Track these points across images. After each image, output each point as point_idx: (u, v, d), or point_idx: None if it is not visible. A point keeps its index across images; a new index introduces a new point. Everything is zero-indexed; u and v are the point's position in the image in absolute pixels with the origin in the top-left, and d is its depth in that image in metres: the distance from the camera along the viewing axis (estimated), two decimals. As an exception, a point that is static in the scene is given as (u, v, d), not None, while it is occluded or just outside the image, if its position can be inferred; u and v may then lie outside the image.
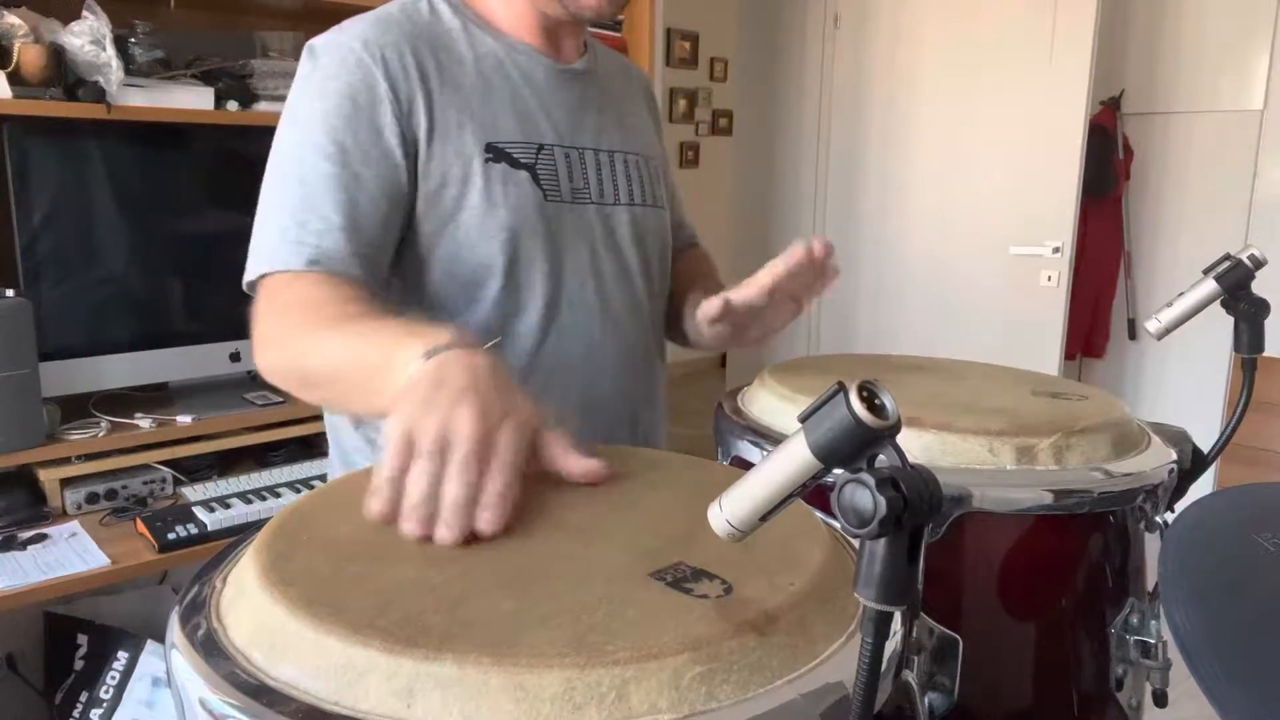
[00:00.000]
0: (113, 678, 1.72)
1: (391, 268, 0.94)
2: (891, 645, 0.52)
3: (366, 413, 0.80)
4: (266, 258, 0.86)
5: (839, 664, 0.49)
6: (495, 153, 0.93)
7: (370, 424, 1.01)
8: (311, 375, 0.81)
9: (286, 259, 0.85)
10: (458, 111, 0.92)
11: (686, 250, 1.22)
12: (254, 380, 2.06)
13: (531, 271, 0.96)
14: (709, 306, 0.94)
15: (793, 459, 0.45)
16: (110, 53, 1.66)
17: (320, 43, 0.92)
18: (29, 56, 1.60)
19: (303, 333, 0.81)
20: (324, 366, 0.78)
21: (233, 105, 1.86)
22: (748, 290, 0.92)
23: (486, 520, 0.58)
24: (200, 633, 0.53)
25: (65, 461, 1.70)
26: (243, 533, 0.65)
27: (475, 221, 0.93)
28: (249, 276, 0.88)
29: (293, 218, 0.86)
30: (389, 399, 0.64)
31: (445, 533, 0.58)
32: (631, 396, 1.05)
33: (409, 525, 0.58)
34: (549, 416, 0.66)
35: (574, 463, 0.67)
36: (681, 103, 5.10)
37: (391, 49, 0.91)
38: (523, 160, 0.95)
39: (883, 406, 0.42)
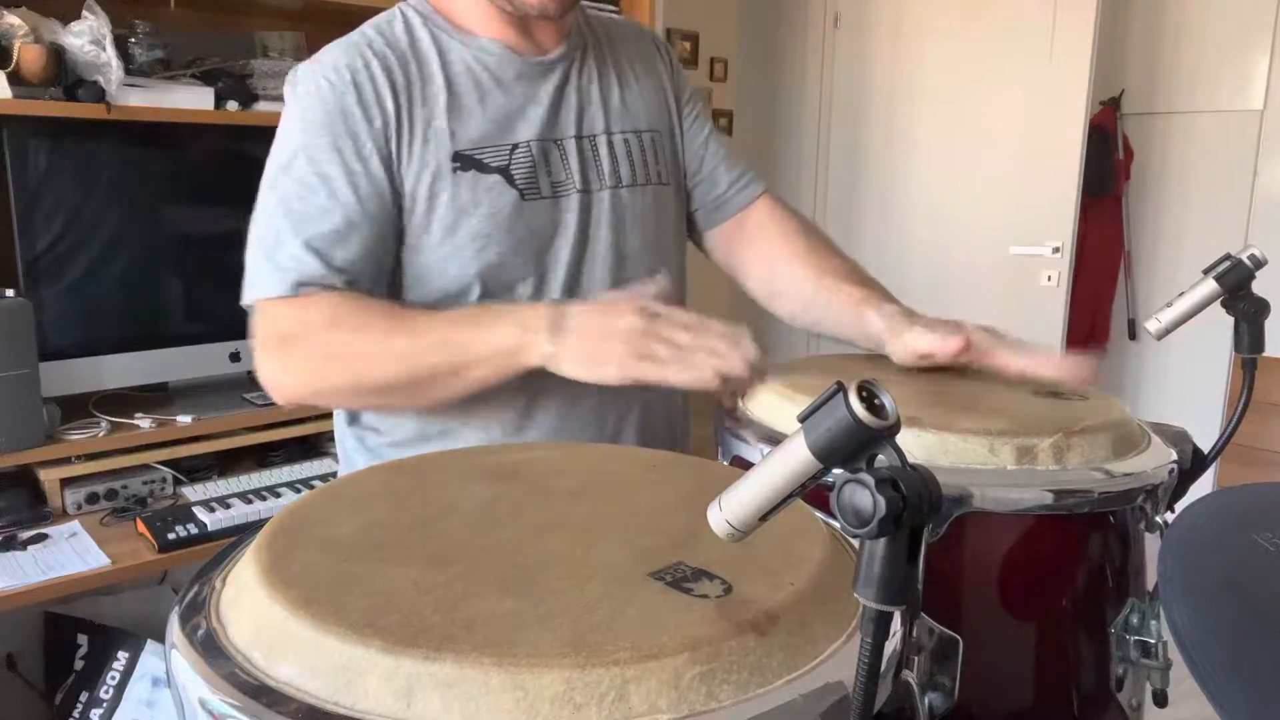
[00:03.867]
0: (113, 678, 1.72)
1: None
2: (891, 645, 0.52)
3: (447, 399, 0.88)
4: (264, 283, 0.89)
5: (839, 664, 0.49)
6: (463, 161, 0.94)
7: (361, 425, 1.02)
8: (378, 381, 0.87)
9: (287, 284, 0.88)
10: (425, 125, 0.93)
11: (771, 208, 1.15)
12: (254, 380, 2.06)
13: (515, 273, 0.96)
14: (946, 348, 0.95)
15: (792, 459, 0.45)
16: (110, 53, 1.66)
17: (299, 73, 0.94)
18: (29, 56, 1.60)
19: (360, 344, 0.86)
20: (409, 369, 0.85)
21: (233, 105, 1.86)
22: (997, 357, 0.94)
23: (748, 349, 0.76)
24: (200, 633, 0.53)
25: (65, 461, 1.70)
26: (243, 533, 0.66)
27: (445, 233, 0.93)
28: (245, 300, 0.92)
29: (285, 249, 0.89)
30: (510, 373, 0.83)
31: (737, 364, 0.75)
32: (632, 392, 1.04)
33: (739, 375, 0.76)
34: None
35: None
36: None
37: (362, 72, 0.92)
38: (493, 164, 0.95)
39: (882, 406, 0.42)
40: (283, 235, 0.89)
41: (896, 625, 0.54)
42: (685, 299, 1.12)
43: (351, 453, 1.05)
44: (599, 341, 0.79)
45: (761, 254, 1.12)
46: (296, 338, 0.88)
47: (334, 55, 0.93)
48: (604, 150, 1.03)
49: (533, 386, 0.94)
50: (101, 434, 1.73)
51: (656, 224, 1.07)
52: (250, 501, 1.75)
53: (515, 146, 0.96)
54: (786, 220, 1.14)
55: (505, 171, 0.95)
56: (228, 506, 1.71)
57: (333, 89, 0.91)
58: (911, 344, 0.96)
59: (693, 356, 0.76)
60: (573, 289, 0.99)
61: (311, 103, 0.91)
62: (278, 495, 1.78)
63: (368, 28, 0.97)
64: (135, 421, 1.78)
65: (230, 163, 1.92)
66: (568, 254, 0.99)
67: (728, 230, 1.15)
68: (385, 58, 0.93)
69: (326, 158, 0.90)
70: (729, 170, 1.15)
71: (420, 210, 0.93)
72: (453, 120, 0.94)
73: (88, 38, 1.66)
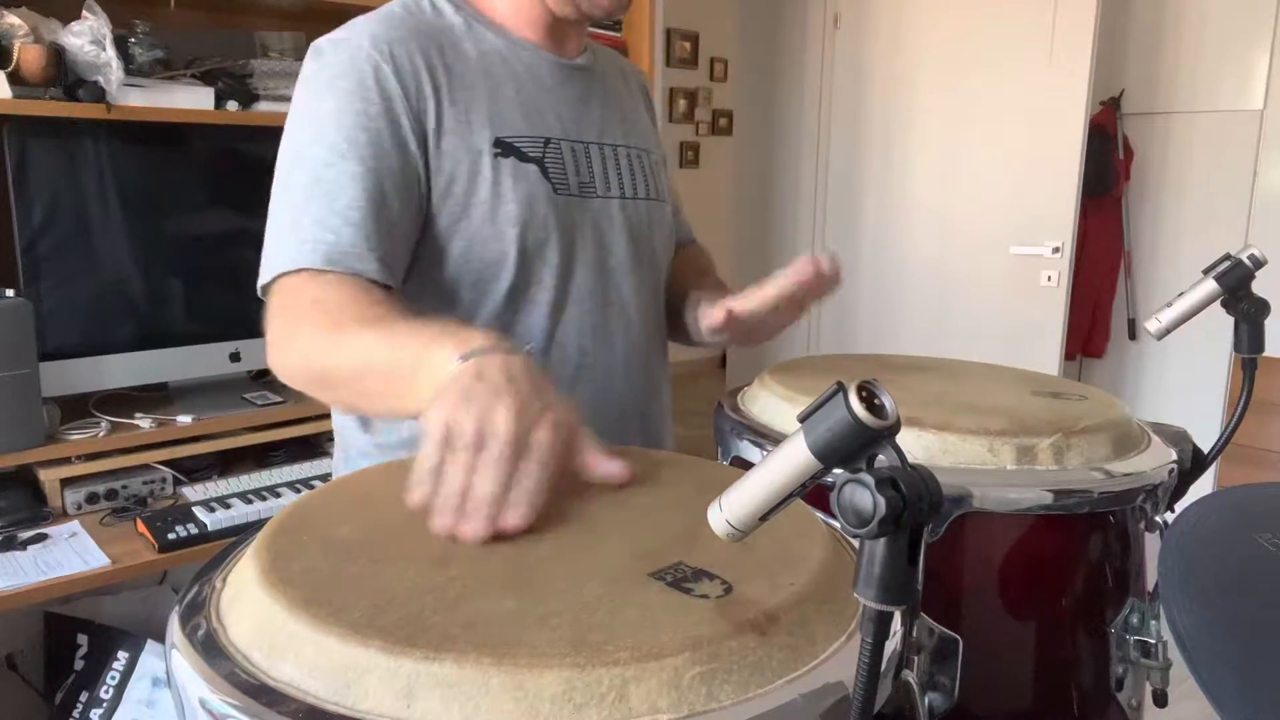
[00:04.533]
0: (113, 678, 1.72)
1: (410, 273, 0.94)
2: (891, 645, 0.52)
3: (389, 413, 0.81)
4: (281, 259, 0.85)
5: (839, 664, 0.49)
6: (504, 147, 0.93)
7: (380, 429, 1.00)
8: (334, 375, 0.80)
9: (301, 258, 0.84)
10: (465, 107, 0.92)
11: (684, 248, 1.22)
12: (254, 380, 2.06)
13: (541, 265, 0.96)
14: (712, 317, 0.96)
15: (792, 459, 0.45)
16: (110, 53, 1.66)
17: (326, 42, 0.92)
18: (29, 56, 1.60)
19: (325, 332, 0.80)
20: (349, 366, 0.78)
21: (233, 105, 1.86)
22: (750, 301, 0.94)
23: (512, 517, 0.59)
24: (200, 633, 0.53)
25: (65, 461, 1.70)
26: (243, 533, 0.65)
27: (485, 216, 0.93)
28: (263, 280, 0.87)
29: (308, 217, 0.85)
30: (421, 399, 0.65)
31: (469, 529, 0.58)
32: (638, 391, 1.05)
33: (440, 519, 0.60)
34: (581, 418, 0.66)
35: (602, 465, 0.67)
36: (681, 103, 5.08)
37: (399, 45, 0.90)
38: (531, 154, 0.95)
39: (882, 406, 0.42)
40: (306, 207, 0.86)
41: (896, 625, 0.54)
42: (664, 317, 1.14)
43: (355, 456, 1.04)
44: (459, 399, 0.63)
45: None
46: (282, 316, 0.84)
47: (367, 26, 0.92)
48: (624, 161, 1.04)
49: None
50: (101, 434, 1.73)
51: (663, 237, 1.09)
52: (250, 501, 1.75)
53: (548, 141, 0.97)
54: (690, 260, 1.19)
55: (540, 163, 0.96)
56: (228, 506, 1.71)
57: (368, 58, 0.89)
58: (703, 324, 0.99)
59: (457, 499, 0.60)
60: (590, 291, 1.00)
61: (344, 69, 0.89)
62: (278, 495, 1.78)
63: (395, 6, 0.95)
64: (135, 421, 1.78)
65: (230, 163, 1.92)
66: (588, 256, 0.99)
67: None
68: (421, 37, 0.92)
69: (356, 124, 0.87)
70: (676, 215, 1.20)
71: (461, 189, 0.92)
72: (492, 106, 0.94)
73: (88, 38, 1.66)
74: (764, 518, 0.48)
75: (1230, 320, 0.94)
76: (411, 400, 0.69)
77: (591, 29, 1.11)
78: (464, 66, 0.94)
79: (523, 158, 0.94)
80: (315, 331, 0.81)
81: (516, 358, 0.66)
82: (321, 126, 0.88)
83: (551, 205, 0.95)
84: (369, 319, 0.79)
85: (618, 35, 2.62)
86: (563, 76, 1.01)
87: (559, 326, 0.97)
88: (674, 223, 1.16)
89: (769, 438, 0.86)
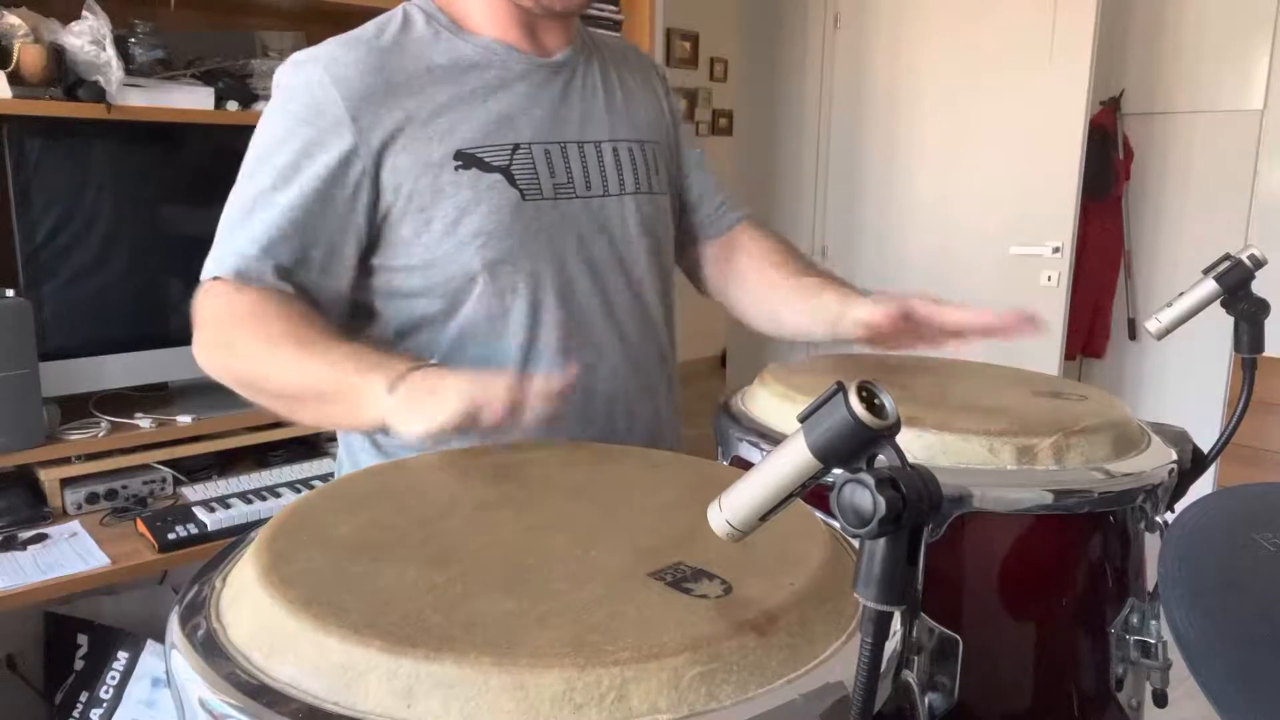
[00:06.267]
0: (113, 678, 1.72)
1: (374, 281, 0.96)
2: (891, 645, 0.52)
3: (320, 426, 0.91)
4: (213, 264, 0.92)
5: (839, 664, 0.49)
6: (465, 159, 0.94)
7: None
8: (263, 386, 0.88)
9: (227, 268, 0.90)
10: (425, 123, 0.93)
11: (753, 230, 1.18)
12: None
13: (514, 273, 0.96)
14: (891, 315, 0.93)
15: (792, 459, 0.45)
16: (110, 53, 1.66)
17: (290, 63, 0.95)
18: (29, 56, 1.60)
19: (253, 344, 0.87)
20: (281, 382, 0.86)
21: (232, 105, 1.86)
22: (960, 317, 0.92)
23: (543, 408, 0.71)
24: (200, 633, 0.53)
25: (65, 461, 1.70)
26: (243, 533, 0.66)
27: (446, 229, 0.94)
28: (203, 278, 0.93)
29: (239, 231, 0.92)
30: (361, 420, 0.78)
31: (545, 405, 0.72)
32: (627, 391, 1.04)
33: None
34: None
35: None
36: (681, 103, 5.10)
37: (354, 68, 0.92)
38: (495, 163, 0.95)
39: (882, 406, 0.42)
40: (241, 222, 0.92)
41: (896, 625, 0.54)
42: (672, 303, 1.14)
43: (358, 452, 1.05)
44: (428, 395, 0.75)
45: (737, 268, 1.15)
46: (212, 322, 0.91)
47: (328, 49, 0.94)
48: (609, 158, 1.03)
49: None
50: (101, 434, 1.73)
51: (657, 232, 1.08)
52: (250, 501, 1.74)
53: (516, 147, 0.97)
54: (766, 240, 1.17)
55: (506, 171, 0.96)
56: (228, 506, 1.71)
57: (319, 83, 0.91)
58: (854, 314, 0.96)
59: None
60: (571, 294, 0.99)
61: (295, 93, 0.93)
62: (278, 495, 1.78)
63: (370, 25, 0.97)
64: (135, 421, 1.78)
65: (230, 163, 1.90)
66: (569, 258, 0.99)
67: (706, 252, 1.19)
68: (382, 56, 0.94)
69: (297, 149, 0.91)
70: (714, 197, 1.19)
71: (420, 205, 0.93)
72: (455, 118, 0.94)
73: (88, 38, 1.66)
74: (764, 518, 0.48)
75: (1230, 320, 0.94)
76: (349, 420, 0.83)
77: (591, 28, 1.11)
78: (427, 80, 0.95)
79: (485, 168, 0.95)
80: (244, 343, 0.88)
81: (429, 368, 0.78)
82: (268, 149, 0.93)
83: (518, 213, 0.96)
84: (304, 340, 0.86)
85: (617, 36, 2.62)
86: (539, 77, 1.00)
87: (537, 330, 0.97)
88: (704, 203, 1.17)
89: (769, 438, 0.86)
